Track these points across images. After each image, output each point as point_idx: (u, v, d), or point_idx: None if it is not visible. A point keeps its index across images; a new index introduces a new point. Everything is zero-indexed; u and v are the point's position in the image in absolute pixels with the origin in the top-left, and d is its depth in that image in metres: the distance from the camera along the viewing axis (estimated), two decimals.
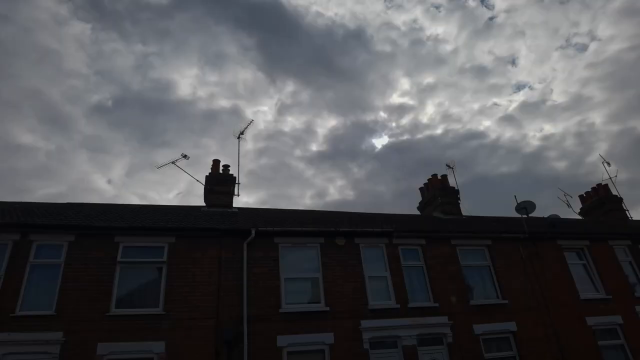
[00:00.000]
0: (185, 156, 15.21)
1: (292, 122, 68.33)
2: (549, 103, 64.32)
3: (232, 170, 15.57)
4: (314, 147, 64.97)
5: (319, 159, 63.15)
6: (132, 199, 58.48)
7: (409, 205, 48.39)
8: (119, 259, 10.92)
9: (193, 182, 67.50)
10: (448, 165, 18.44)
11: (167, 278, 10.95)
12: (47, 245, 10.82)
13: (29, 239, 10.72)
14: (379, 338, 11.38)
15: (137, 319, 10.28)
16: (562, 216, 19.58)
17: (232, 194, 15.12)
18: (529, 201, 15.66)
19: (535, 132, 65.14)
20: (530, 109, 62.75)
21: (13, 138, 49.39)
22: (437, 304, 12.30)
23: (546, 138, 62.55)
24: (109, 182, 59.03)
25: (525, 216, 15.64)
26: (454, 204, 17.35)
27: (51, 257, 10.70)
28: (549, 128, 65.43)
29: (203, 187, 15.20)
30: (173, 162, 15.22)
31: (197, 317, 10.57)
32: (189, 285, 10.94)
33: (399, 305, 11.97)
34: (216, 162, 15.53)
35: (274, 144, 65.21)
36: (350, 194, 60.65)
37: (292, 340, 10.76)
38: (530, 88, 74.70)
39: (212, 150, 65.48)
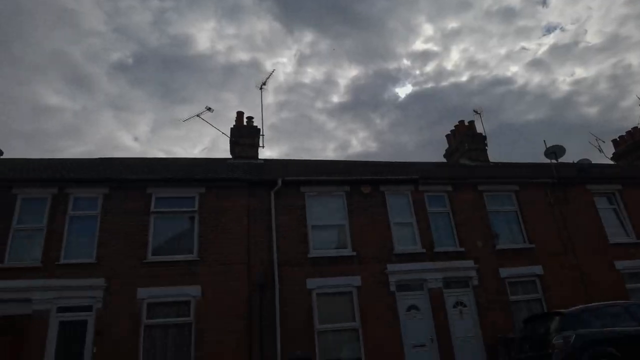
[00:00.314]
0: (209, 109, 15.29)
1: (312, 74, 67.16)
2: (581, 45, 60.97)
3: (256, 122, 15.63)
4: (335, 99, 64.09)
5: (340, 111, 62.43)
6: (159, 155, 59.64)
7: (433, 156, 47.78)
8: (152, 209, 11.35)
9: (217, 137, 68.27)
10: (475, 111, 17.98)
11: (200, 226, 11.38)
12: (83, 198, 11.33)
13: (65, 192, 11.22)
14: (405, 281, 11.72)
15: (173, 265, 10.84)
16: (593, 162, 19.08)
17: (257, 145, 15.25)
18: (558, 145, 15.28)
19: (566, 76, 62.29)
20: (561, 51, 59.67)
21: (41, 99, 50.45)
22: (463, 249, 12.46)
23: (577, 82, 59.81)
24: (136, 139, 60.21)
25: (554, 161, 15.32)
26: (481, 151, 17.08)
27: (88, 209, 11.23)
28: (580, 72, 62.39)
29: (228, 140, 15.35)
30: (198, 115, 15.35)
31: (230, 263, 11.06)
32: (221, 233, 11.36)
33: (424, 250, 12.20)
34: (240, 114, 15.58)
35: (295, 96, 64.64)
36: (372, 146, 60.23)
37: (321, 283, 11.22)
38: (562, 29, 70.71)
39: (232, 104, 65.47)
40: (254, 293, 10.80)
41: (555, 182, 14.20)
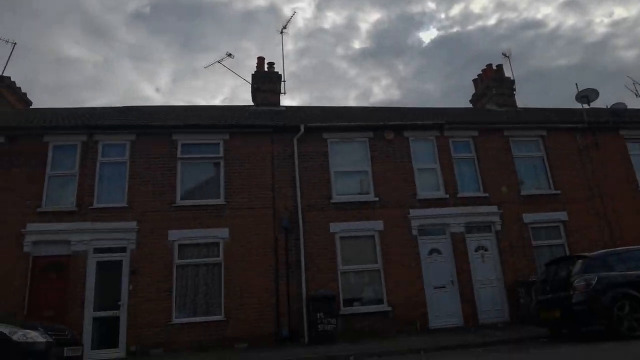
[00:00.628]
0: (229, 55, 15.09)
1: (333, 18, 64.88)
2: None
3: (276, 69, 15.38)
4: (357, 45, 62.19)
5: (362, 57, 60.75)
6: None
7: (459, 104, 46.50)
8: (178, 155, 11.60)
9: (237, 87, 67.80)
10: (504, 54, 17.22)
11: (225, 172, 11.64)
12: (112, 145, 11.63)
13: (94, 139, 11.51)
14: (427, 225, 11.88)
15: (202, 208, 11.22)
16: (629, 107, 18.25)
17: (279, 92, 15.12)
18: (591, 89, 14.62)
19: (603, 17, 58.46)
20: None
21: (62, 51, 50.62)
22: (487, 194, 12.42)
23: (615, 24, 56.12)
24: (157, 90, 60.42)
25: (586, 105, 14.72)
26: (508, 96, 16.53)
27: (117, 155, 11.55)
28: (620, 12, 58.41)
29: (248, 90, 15.25)
30: (219, 62, 15.21)
31: (255, 207, 11.38)
32: (246, 178, 11.61)
33: (447, 196, 12.23)
34: (261, 60, 15.35)
35: (315, 43, 63.00)
36: (396, 94, 58.95)
37: (343, 227, 11.49)
38: None
39: (252, 52, 64.48)
40: (280, 236, 11.17)
41: (586, 127, 13.78)
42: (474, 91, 18.20)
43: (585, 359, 4.99)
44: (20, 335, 6.27)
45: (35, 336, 6.40)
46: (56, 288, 10.26)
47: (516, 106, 16.52)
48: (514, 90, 16.83)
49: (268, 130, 12.09)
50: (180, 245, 10.86)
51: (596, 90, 14.67)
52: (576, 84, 14.81)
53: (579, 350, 6.41)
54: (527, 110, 16.22)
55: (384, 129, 12.53)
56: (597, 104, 15.74)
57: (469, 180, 12.62)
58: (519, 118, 14.54)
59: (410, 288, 11.19)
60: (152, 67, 59.67)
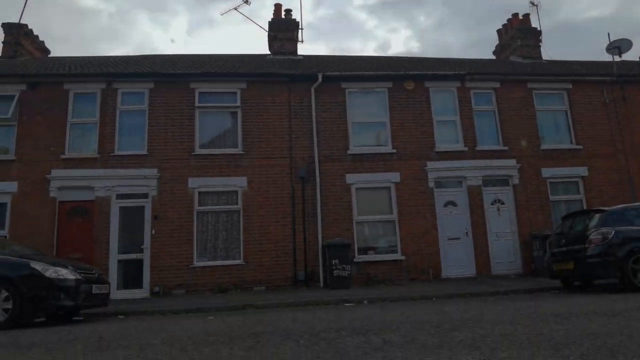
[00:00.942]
0: (246, 1, 14.75)
1: None
2: None
3: (294, 17, 14.96)
4: None
5: (381, 8, 58.47)
6: None
7: (482, 57, 44.82)
8: (196, 104, 11.62)
9: (253, 39, 66.25)
10: (532, 3, 16.42)
11: (243, 121, 11.66)
12: (131, 93, 11.68)
13: (113, 87, 11.56)
14: (444, 178, 11.89)
15: (220, 157, 11.39)
16: None
17: (296, 40, 14.80)
18: (624, 39, 13.89)
19: None
20: None
21: (76, 1, 49.76)
22: (506, 148, 12.26)
23: None
24: (172, 41, 59.54)
25: (617, 57, 14.06)
26: (534, 47, 15.89)
27: (136, 103, 11.62)
28: None
29: (265, 40, 14.95)
30: (235, 9, 14.99)
31: (273, 157, 11.48)
32: (263, 128, 11.64)
33: (466, 148, 12.12)
34: (278, 7, 14.94)
35: None
36: (415, 46, 57.07)
37: (360, 179, 11.57)
38: None
39: (267, 2, 62.36)
40: (297, 185, 11.32)
41: (614, 80, 13.26)
42: (497, 43, 17.54)
43: (594, 306, 5.10)
44: (52, 272, 6.58)
45: (65, 273, 6.71)
46: (82, 232, 10.70)
47: (541, 58, 15.91)
48: (540, 41, 16.16)
49: (285, 79, 11.95)
50: (200, 193, 11.12)
51: (629, 41, 13.94)
52: (608, 33, 14.06)
53: (590, 299, 6.51)
54: (552, 62, 15.62)
55: (404, 79, 12.27)
56: (628, 56, 15.07)
57: (489, 133, 12.43)
58: (543, 70, 14.05)
59: (424, 239, 11.36)
60: (167, 18, 58.57)
